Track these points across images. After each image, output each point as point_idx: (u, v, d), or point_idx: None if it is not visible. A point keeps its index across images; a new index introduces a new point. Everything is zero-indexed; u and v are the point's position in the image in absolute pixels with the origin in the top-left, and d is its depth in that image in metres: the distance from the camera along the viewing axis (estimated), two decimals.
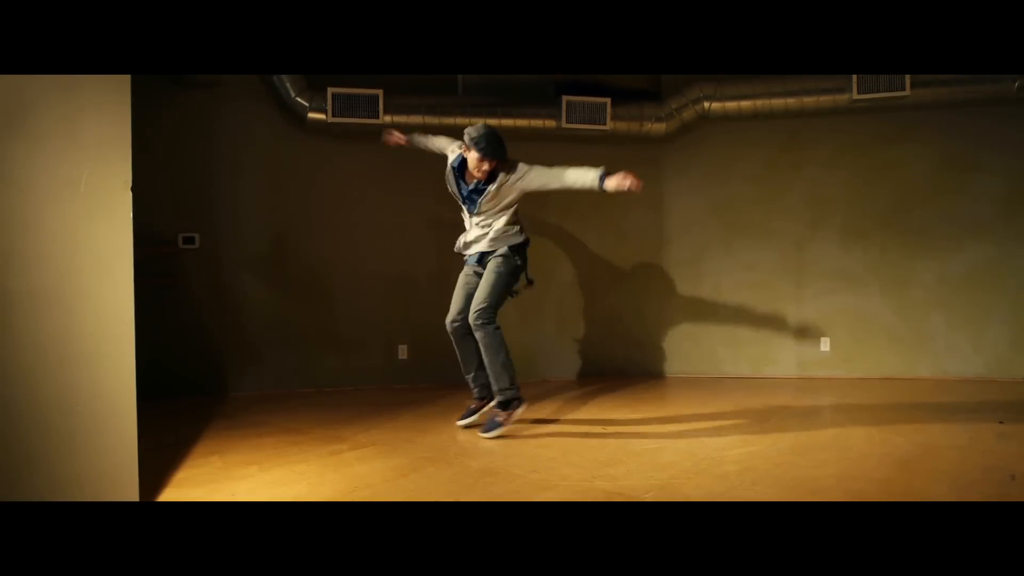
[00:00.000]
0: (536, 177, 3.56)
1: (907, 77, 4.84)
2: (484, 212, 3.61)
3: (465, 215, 3.75)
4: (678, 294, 5.63)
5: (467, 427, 3.77)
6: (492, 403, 3.69)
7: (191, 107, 4.89)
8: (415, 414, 4.22)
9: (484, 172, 3.53)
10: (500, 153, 3.49)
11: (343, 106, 4.87)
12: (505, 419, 3.59)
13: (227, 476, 2.96)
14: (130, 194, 2.38)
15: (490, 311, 3.54)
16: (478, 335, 3.54)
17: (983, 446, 3.29)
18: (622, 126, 5.28)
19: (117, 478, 2.36)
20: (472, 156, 3.50)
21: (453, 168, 3.69)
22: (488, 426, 3.59)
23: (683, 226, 5.62)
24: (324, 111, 4.87)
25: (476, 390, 3.82)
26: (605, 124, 5.20)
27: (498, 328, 3.57)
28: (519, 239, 3.68)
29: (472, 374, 3.80)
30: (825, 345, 5.40)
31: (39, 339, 2.17)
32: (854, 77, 4.93)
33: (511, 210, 3.64)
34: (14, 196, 2.13)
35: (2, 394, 2.10)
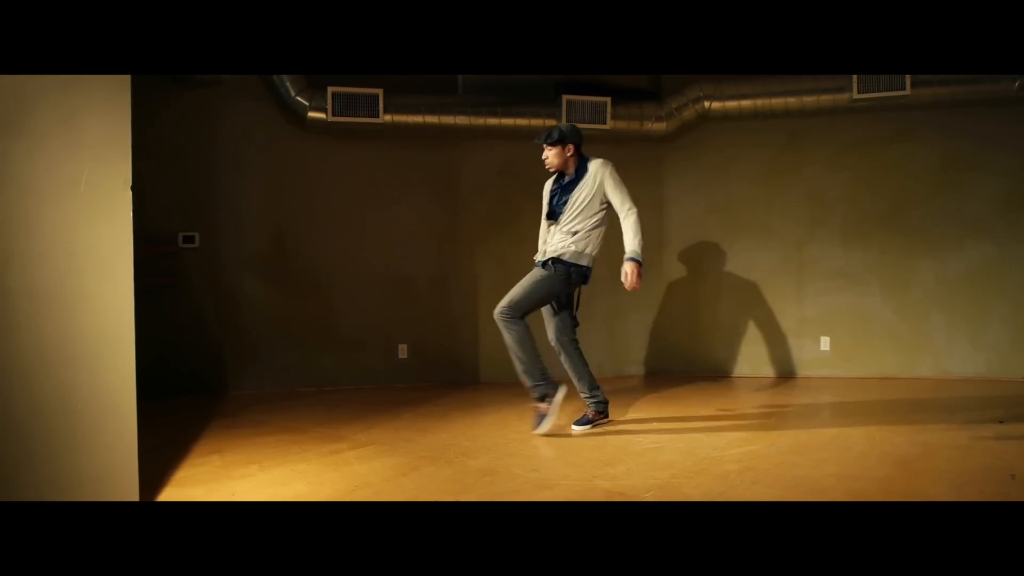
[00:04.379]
0: (614, 188, 3.66)
1: (907, 77, 4.84)
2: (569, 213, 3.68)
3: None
4: (678, 294, 5.63)
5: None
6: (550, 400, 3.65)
7: (191, 106, 4.90)
8: (415, 413, 4.22)
9: (552, 163, 3.68)
10: (558, 137, 3.63)
11: (343, 105, 4.87)
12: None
13: (227, 475, 2.97)
14: (130, 193, 2.38)
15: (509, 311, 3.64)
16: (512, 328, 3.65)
17: (983, 446, 3.29)
18: (622, 125, 5.28)
19: (117, 477, 2.36)
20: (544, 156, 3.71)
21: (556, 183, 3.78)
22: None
23: (683, 226, 5.63)
24: (324, 110, 4.87)
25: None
26: (605, 123, 5.20)
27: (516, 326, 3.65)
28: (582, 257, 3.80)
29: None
30: (825, 344, 5.40)
31: (39, 339, 2.17)
32: (854, 77, 4.94)
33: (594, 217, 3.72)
34: (14, 196, 2.13)
35: (2, 394, 2.10)
